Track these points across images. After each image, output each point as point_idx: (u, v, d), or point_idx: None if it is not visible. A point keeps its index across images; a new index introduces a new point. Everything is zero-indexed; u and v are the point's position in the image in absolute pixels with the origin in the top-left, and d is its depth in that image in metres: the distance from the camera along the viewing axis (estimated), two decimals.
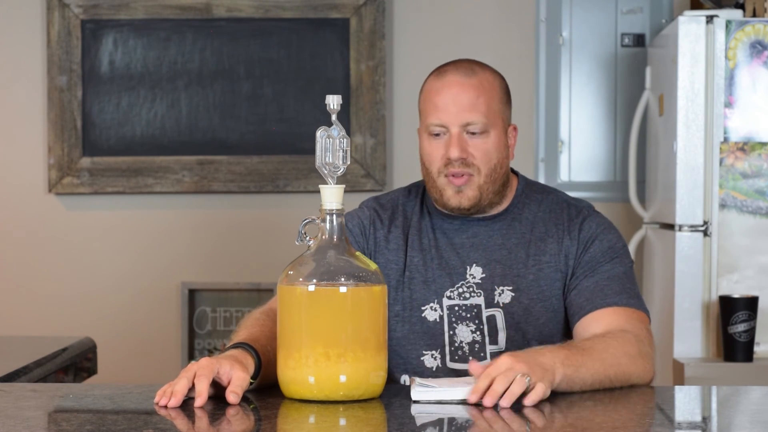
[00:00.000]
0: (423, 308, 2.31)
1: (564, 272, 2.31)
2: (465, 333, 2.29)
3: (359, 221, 2.39)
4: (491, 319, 2.29)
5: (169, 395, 1.93)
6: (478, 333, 2.29)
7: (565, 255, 2.31)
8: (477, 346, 2.28)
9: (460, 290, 2.31)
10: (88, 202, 4.44)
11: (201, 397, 1.93)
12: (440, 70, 2.34)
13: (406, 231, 2.37)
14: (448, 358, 2.29)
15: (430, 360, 2.30)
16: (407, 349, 2.31)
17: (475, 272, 2.31)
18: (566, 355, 2.02)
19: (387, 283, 2.28)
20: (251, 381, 2.00)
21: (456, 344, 2.29)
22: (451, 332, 2.29)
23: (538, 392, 1.93)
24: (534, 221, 2.35)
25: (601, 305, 2.24)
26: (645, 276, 4.17)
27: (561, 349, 2.04)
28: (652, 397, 2.08)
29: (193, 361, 2.00)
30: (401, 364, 2.31)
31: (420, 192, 2.42)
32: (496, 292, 2.30)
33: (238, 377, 1.96)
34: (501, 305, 2.29)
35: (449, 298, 2.30)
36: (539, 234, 2.33)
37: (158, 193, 4.41)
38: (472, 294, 2.30)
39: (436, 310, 2.31)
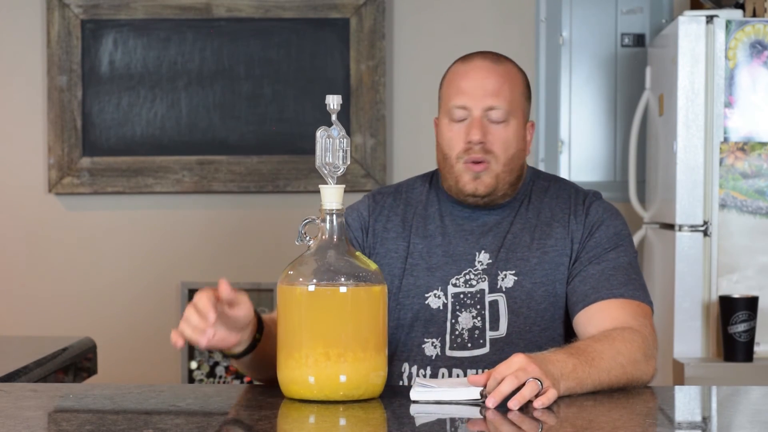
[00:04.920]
0: (427, 295, 2.31)
1: (569, 256, 2.30)
2: (466, 319, 2.28)
3: (358, 214, 2.39)
4: (493, 305, 2.28)
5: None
6: (479, 318, 2.28)
7: (571, 239, 2.31)
8: (477, 332, 2.27)
9: (467, 277, 2.30)
10: (88, 202, 4.43)
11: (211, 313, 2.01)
12: (466, 56, 2.37)
13: (408, 217, 2.37)
14: (447, 346, 2.28)
15: (430, 348, 2.29)
16: (411, 337, 2.30)
17: (483, 259, 2.31)
18: (573, 367, 1.99)
19: (390, 272, 2.29)
20: (257, 336, 2.07)
21: (457, 332, 2.28)
22: (453, 320, 2.29)
23: (550, 396, 1.91)
24: (540, 207, 2.35)
25: (606, 296, 2.23)
26: (645, 276, 4.16)
27: (569, 358, 2.01)
28: (652, 397, 2.08)
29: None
30: (404, 352, 2.31)
31: (429, 180, 2.42)
32: (500, 277, 2.29)
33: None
34: (503, 290, 2.28)
35: (455, 285, 2.30)
36: (545, 219, 2.33)
37: (158, 193, 4.41)
38: (479, 280, 2.30)
39: (440, 297, 2.30)
